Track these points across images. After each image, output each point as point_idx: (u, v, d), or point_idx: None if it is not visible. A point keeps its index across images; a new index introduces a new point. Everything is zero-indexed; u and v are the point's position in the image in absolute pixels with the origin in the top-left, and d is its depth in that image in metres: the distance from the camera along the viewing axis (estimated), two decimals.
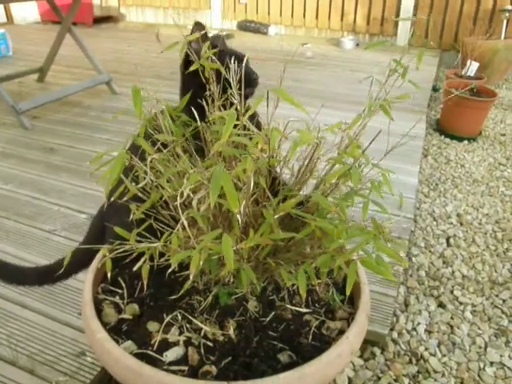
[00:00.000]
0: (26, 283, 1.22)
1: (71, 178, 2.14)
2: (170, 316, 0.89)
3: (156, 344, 0.84)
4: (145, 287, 0.85)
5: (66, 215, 1.86)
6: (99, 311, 0.93)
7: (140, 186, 0.76)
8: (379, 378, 1.29)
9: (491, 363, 1.37)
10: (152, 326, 0.89)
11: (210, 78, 0.80)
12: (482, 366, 1.36)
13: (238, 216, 0.59)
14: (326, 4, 5.51)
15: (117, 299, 0.96)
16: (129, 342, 0.86)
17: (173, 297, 0.91)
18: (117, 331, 0.89)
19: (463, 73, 3.47)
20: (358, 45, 5.31)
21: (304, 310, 0.91)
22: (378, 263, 0.65)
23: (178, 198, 0.67)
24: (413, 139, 2.69)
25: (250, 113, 0.66)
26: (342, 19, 5.52)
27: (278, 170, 0.83)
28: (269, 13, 5.87)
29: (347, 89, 3.64)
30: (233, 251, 0.63)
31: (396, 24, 5.23)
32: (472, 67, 3.45)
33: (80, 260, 1.08)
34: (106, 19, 6.58)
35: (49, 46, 3.43)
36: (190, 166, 0.73)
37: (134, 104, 0.82)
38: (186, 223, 0.66)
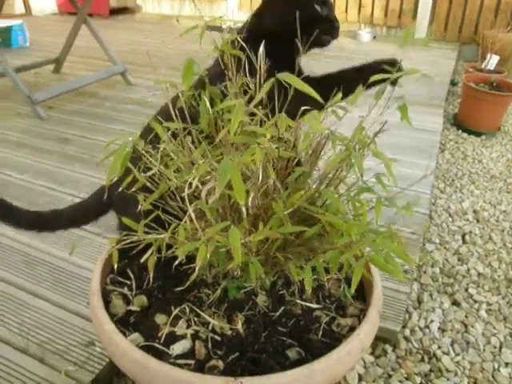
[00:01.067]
0: (19, 224, 1.25)
1: (85, 169, 2.15)
2: (177, 309, 0.88)
3: (163, 337, 0.84)
4: (151, 279, 0.84)
5: None
6: (107, 302, 0.92)
7: (147, 175, 0.75)
8: (390, 376, 1.27)
9: (506, 364, 1.34)
10: (160, 318, 0.88)
11: (229, 64, 0.77)
12: (496, 366, 1.33)
13: (244, 209, 0.57)
14: None
15: (125, 290, 0.96)
16: (136, 334, 0.85)
17: (181, 288, 0.90)
18: (124, 323, 0.88)
19: (483, 66, 3.40)
20: (375, 37, 5.23)
21: (314, 305, 0.90)
22: (387, 261, 0.63)
23: (186, 188, 0.66)
24: (430, 134, 2.64)
25: (256, 100, 0.64)
26: (359, 11, 5.44)
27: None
28: None
29: None
30: (241, 244, 0.61)
31: (414, 16, 5.15)
32: (492, 61, 3.38)
33: (72, 217, 1.21)
34: (122, 10, 6.60)
35: (65, 37, 3.44)
36: (199, 156, 0.71)
37: (185, 76, 0.79)
38: (193, 215, 0.65)
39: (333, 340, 0.84)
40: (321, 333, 0.85)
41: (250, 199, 0.58)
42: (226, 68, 0.78)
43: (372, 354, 1.33)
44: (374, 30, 5.38)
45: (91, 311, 0.90)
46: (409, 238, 1.68)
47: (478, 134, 2.96)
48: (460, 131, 3.04)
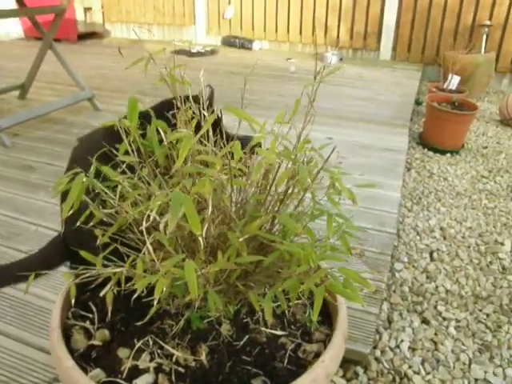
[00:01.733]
0: None
1: (49, 197, 2.10)
2: (140, 341, 0.86)
3: (125, 371, 0.81)
4: (109, 313, 0.82)
5: (43, 235, 1.81)
6: (69, 337, 0.90)
7: (105, 211, 0.74)
8: None
9: (476, 380, 1.35)
10: (122, 352, 0.86)
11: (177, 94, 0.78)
12: (466, 383, 1.33)
13: (201, 239, 0.57)
14: (309, 19, 5.56)
15: (87, 324, 0.93)
16: (97, 370, 0.83)
17: (142, 322, 0.88)
18: (86, 358, 0.85)
19: (445, 86, 3.51)
20: (341, 59, 5.35)
21: (279, 332, 0.89)
22: (346, 287, 0.63)
23: (144, 221, 0.65)
24: (396, 153, 2.70)
25: (201, 132, 0.64)
26: (325, 34, 5.57)
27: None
28: (253, 28, 5.91)
29: (330, 103, 3.65)
30: (198, 275, 0.60)
31: (379, 38, 5.30)
32: (453, 81, 3.49)
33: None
34: (90, 35, 6.58)
35: (31, 63, 3.40)
36: (156, 188, 0.70)
37: (129, 117, 0.78)
38: (150, 248, 0.64)
39: (298, 367, 0.83)
40: (286, 360, 0.84)
41: (205, 229, 0.57)
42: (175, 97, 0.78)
43: (343, 376, 1.32)
44: (341, 52, 5.51)
45: (51, 349, 0.87)
46: (377, 258, 1.70)
47: (442, 152, 3.04)
48: (425, 150, 3.11)
